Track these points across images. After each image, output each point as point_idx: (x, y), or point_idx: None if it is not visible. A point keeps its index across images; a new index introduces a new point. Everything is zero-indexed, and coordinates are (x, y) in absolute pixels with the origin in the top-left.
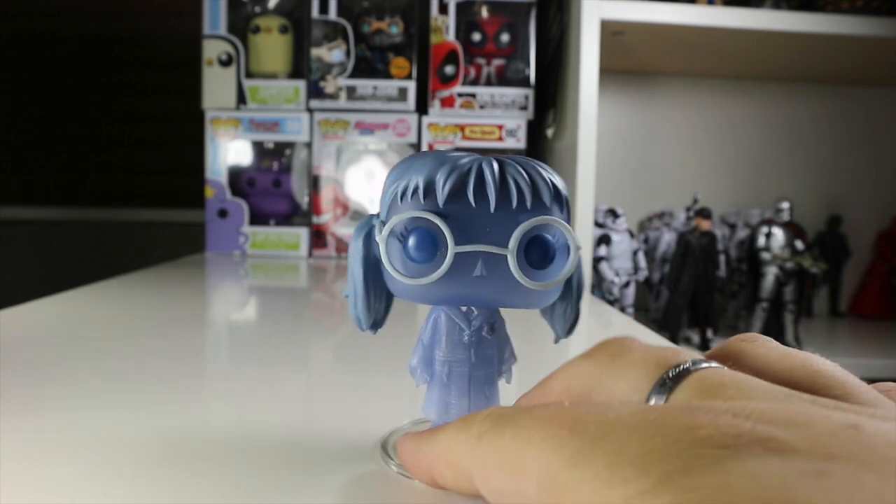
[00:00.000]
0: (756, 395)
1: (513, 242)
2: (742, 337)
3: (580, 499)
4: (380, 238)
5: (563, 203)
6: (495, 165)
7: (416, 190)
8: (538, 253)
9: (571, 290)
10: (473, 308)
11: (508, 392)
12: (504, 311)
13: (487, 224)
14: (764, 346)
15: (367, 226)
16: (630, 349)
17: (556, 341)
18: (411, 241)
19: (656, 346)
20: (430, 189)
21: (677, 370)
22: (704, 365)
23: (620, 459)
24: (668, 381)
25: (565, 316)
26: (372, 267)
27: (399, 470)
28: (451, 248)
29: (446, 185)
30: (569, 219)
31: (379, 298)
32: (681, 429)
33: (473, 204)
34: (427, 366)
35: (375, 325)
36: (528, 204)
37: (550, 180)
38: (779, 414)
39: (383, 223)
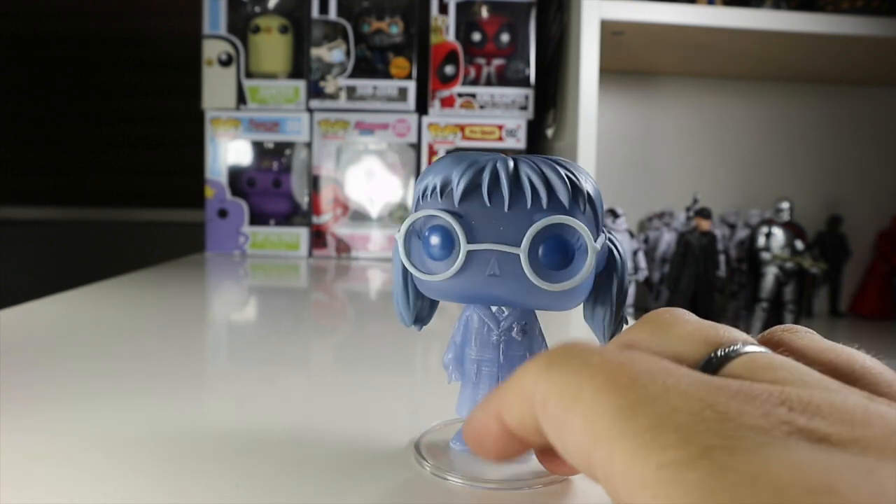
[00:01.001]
0: (808, 383)
1: (525, 242)
2: (783, 327)
3: (615, 450)
4: (398, 235)
5: (586, 203)
6: (510, 164)
7: (434, 189)
8: (558, 254)
9: (611, 295)
10: (504, 308)
11: None
12: (543, 315)
13: (502, 223)
14: (806, 337)
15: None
16: (681, 321)
17: None
18: (431, 239)
19: (709, 323)
20: (446, 188)
21: (726, 351)
22: (753, 348)
23: (666, 424)
24: (715, 361)
25: (605, 321)
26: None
27: (434, 471)
28: (464, 246)
29: (460, 185)
30: (598, 220)
31: (419, 296)
32: (734, 409)
33: (488, 203)
34: (459, 364)
35: (419, 320)
36: (544, 203)
37: (569, 178)
38: (834, 409)
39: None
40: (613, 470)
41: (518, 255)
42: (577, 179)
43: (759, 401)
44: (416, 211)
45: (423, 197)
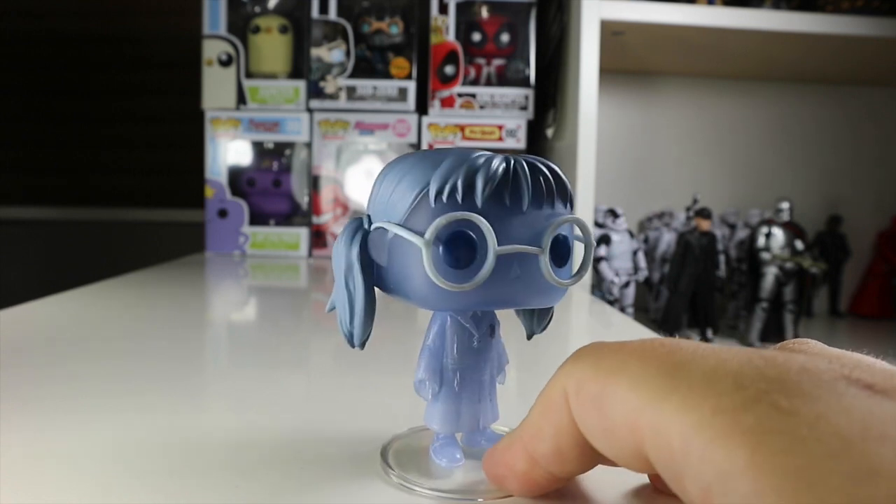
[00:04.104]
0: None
1: (546, 241)
2: (792, 341)
3: (667, 405)
4: (423, 243)
5: (571, 201)
6: (525, 165)
7: (453, 191)
8: (562, 251)
9: None
10: (478, 312)
11: (502, 392)
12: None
13: (522, 224)
14: (815, 348)
15: (360, 230)
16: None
17: (530, 338)
18: (451, 246)
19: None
20: (469, 189)
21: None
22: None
23: (719, 372)
24: None
25: (544, 312)
26: (370, 275)
27: (399, 479)
28: (493, 250)
29: (487, 186)
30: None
31: (374, 309)
32: (780, 357)
33: (508, 204)
34: (435, 375)
35: (366, 340)
36: (553, 203)
37: (565, 178)
38: (870, 363)
39: (403, 226)
40: (665, 425)
41: (534, 256)
42: (565, 178)
43: (797, 353)
44: (410, 215)
45: (435, 199)
